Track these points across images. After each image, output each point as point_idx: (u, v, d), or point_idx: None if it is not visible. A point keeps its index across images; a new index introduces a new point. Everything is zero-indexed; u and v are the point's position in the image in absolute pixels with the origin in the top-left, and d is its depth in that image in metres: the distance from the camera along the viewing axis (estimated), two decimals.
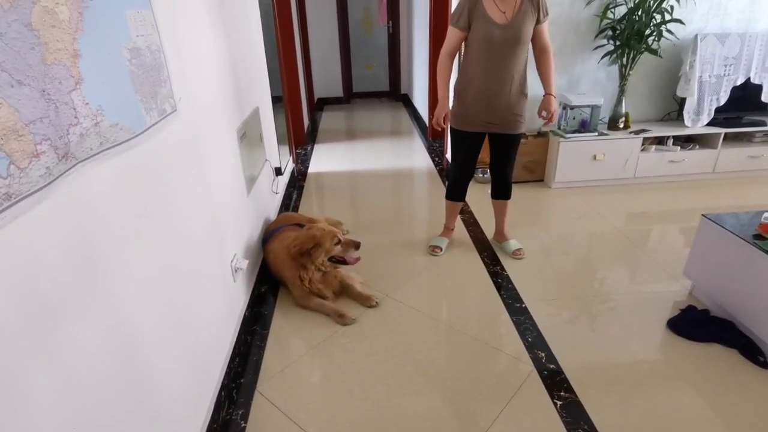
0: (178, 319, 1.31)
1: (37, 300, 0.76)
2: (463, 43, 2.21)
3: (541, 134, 3.41)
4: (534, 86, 2.30)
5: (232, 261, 1.86)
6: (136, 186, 1.10)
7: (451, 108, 2.30)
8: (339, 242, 2.12)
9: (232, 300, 1.86)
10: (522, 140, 3.26)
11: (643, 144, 3.29)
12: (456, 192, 2.52)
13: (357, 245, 2.16)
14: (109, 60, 0.99)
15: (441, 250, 2.57)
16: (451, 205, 2.58)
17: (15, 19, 0.72)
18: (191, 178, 1.47)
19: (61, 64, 0.82)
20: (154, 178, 1.20)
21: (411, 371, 1.76)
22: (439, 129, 2.26)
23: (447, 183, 2.57)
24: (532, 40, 2.15)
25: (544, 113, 2.24)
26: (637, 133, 3.27)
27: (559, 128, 3.34)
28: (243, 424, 1.57)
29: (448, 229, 2.66)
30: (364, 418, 1.57)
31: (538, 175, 3.48)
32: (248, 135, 2.28)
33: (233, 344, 1.79)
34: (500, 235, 2.60)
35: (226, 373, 1.67)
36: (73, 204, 0.86)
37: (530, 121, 3.43)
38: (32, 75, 0.74)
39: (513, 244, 2.54)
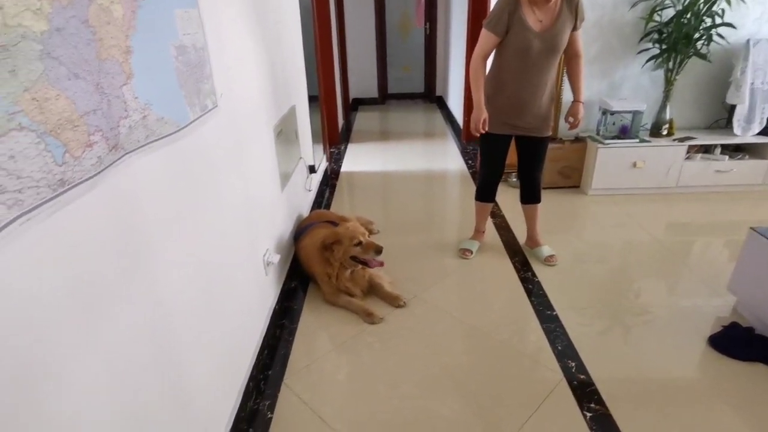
0: (211, 309, 1.35)
1: (84, 282, 0.80)
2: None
3: (578, 139, 3.33)
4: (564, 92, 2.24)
5: (264, 255, 1.90)
6: (177, 178, 1.15)
7: None
8: (359, 243, 2.11)
9: (263, 293, 1.91)
10: (558, 145, 3.22)
11: (687, 152, 3.16)
12: (485, 193, 2.50)
13: (378, 250, 2.11)
14: (157, 57, 1.03)
15: (471, 253, 2.55)
16: (480, 206, 2.56)
17: (73, 15, 0.76)
18: (229, 172, 1.52)
19: (114, 60, 0.86)
20: (195, 171, 1.25)
21: (437, 373, 1.75)
22: (477, 134, 2.22)
23: (477, 183, 2.55)
24: (567, 45, 2.11)
25: (570, 119, 2.25)
26: (681, 140, 3.14)
27: (597, 134, 3.25)
28: (269, 415, 1.60)
29: (478, 232, 2.64)
30: (388, 417, 1.57)
31: (574, 182, 3.40)
32: (284, 132, 2.33)
33: (262, 337, 1.83)
34: (532, 240, 2.56)
35: (254, 364, 1.70)
36: (120, 193, 0.90)
37: (565, 127, 3.38)
38: (88, 69, 0.78)
39: (545, 250, 2.49)
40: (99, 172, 0.82)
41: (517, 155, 2.39)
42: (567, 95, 2.26)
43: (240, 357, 1.60)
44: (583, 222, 3.02)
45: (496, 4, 2.10)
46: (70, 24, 0.75)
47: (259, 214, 1.87)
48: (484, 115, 2.17)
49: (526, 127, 2.23)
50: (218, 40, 1.43)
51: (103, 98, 0.82)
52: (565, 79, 2.22)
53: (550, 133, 2.29)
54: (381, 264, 2.17)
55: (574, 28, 2.07)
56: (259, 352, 1.76)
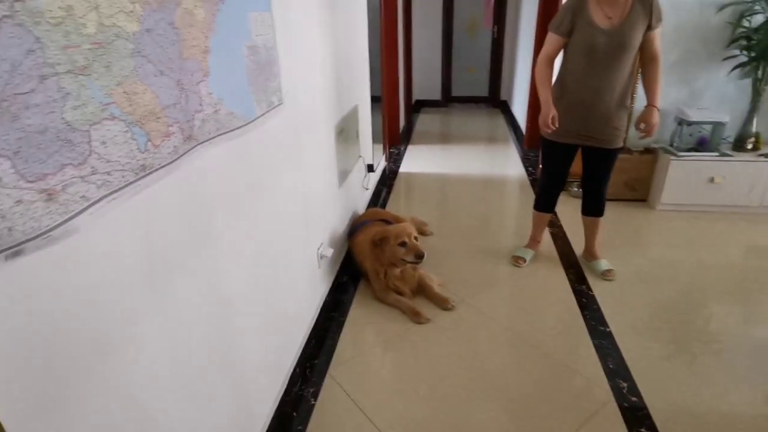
0: (265, 292, 1.43)
1: (156, 254, 0.88)
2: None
3: (648, 150, 3.15)
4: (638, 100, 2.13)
5: (318, 248, 1.98)
6: (241, 169, 1.23)
7: None
8: (404, 244, 2.11)
9: (315, 285, 1.98)
10: (624, 155, 3.06)
11: None
12: (544, 203, 2.43)
13: (419, 255, 2.09)
14: (232, 56, 1.11)
15: (525, 261, 2.49)
16: (538, 216, 2.49)
17: (162, 17, 0.84)
18: (289, 166, 1.60)
19: (194, 59, 0.95)
20: (257, 163, 1.33)
21: (479, 378, 1.74)
22: (548, 131, 2.14)
23: (536, 192, 2.49)
24: (641, 47, 2.00)
25: (642, 125, 2.08)
26: None
27: (670, 145, 3.06)
28: (313, 402, 1.66)
29: (534, 241, 2.57)
30: (427, 416, 1.59)
31: (641, 195, 3.22)
32: (345, 131, 2.40)
33: (311, 326, 1.90)
34: (590, 253, 2.46)
35: (302, 352, 1.78)
36: (191, 180, 0.99)
37: (636, 136, 3.20)
38: (172, 67, 0.87)
39: (603, 264, 2.39)
40: (174, 160, 0.90)
41: (582, 165, 2.29)
42: (639, 104, 2.10)
43: (289, 343, 1.68)
44: (648, 238, 2.85)
45: (563, 5, 2.05)
46: (158, 26, 0.83)
47: (316, 208, 1.95)
48: (553, 111, 2.07)
49: (595, 136, 2.11)
50: (287, 40, 1.51)
51: (182, 93, 0.91)
52: (639, 86, 2.07)
53: (620, 145, 2.16)
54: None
55: (649, 28, 1.96)
56: (307, 341, 1.84)
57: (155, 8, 0.82)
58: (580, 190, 2.40)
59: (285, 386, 1.60)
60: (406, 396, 1.68)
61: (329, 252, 2.08)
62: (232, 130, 1.13)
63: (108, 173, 0.73)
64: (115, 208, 0.76)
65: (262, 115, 1.30)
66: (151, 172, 0.83)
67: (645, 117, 2.08)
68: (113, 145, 0.73)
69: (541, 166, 2.41)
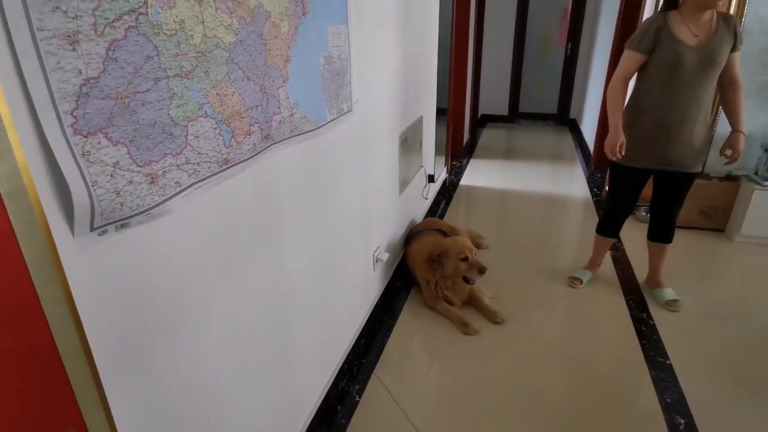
0: (322, 287, 1.52)
1: (228, 241, 0.99)
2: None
3: (729, 177, 2.95)
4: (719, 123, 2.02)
5: (375, 252, 2.05)
6: (309, 169, 1.33)
7: None
8: (466, 259, 2.13)
9: (369, 287, 2.05)
10: (702, 181, 2.89)
11: None
12: (609, 227, 2.35)
13: (482, 270, 2.10)
14: (309, 64, 1.22)
15: (582, 282, 2.42)
16: (601, 240, 2.41)
17: (253, 30, 0.95)
18: (353, 170, 1.69)
19: (276, 67, 1.05)
20: (324, 166, 1.43)
21: (523, 396, 1.72)
22: (614, 159, 2.06)
23: (601, 215, 2.41)
24: (723, 70, 1.91)
25: (728, 152, 1.98)
26: None
27: (756, 173, 2.85)
28: (357, 398, 1.73)
29: (594, 264, 2.49)
30: (466, 424, 1.60)
31: (719, 224, 3.01)
32: (409, 141, 2.47)
33: (362, 326, 1.97)
34: (654, 281, 2.35)
35: (351, 349, 1.85)
36: (265, 176, 1.09)
37: (715, 160, 3.02)
38: (257, 73, 0.98)
39: (668, 293, 2.26)
40: (252, 156, 1.01)
41: (652, 188, 2.19)
42: (719, 127, 1.98)
43: (339, 339, 1.76)
44: (722, 271, 2.67)
45: (642, 23, 2.00)
46: (249, 37, 0.94)
47: (375, 212, 2.02)
48: (621, 139, 2.00)
49: (675, 160, 2.01)
50: (361, 51, 1.60)
51: (264, 97, 1.01)
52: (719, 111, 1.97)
53: (700, 169, 2.06)
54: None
55: (734, 48, 1.87)
56: (357, 340, 1.90)
57: (249, 22, 0.93)
58: (648, 214, 2.30)
59: (332, 380, 1.68)
60: (448, 404, 1.69)
61: (385, 256, 2.15)
62: (304, 133, 1.23)
63: (198, 164, 0.84)
64: (200, 195, 0.86)
65: (333, 120, 1.40)
66: (232, 166, 0.94)
67: (731, 143, 1.97)
68: (204, 140, 0.84)
69: (608, 188, 2.33)
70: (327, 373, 1.66)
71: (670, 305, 2.22)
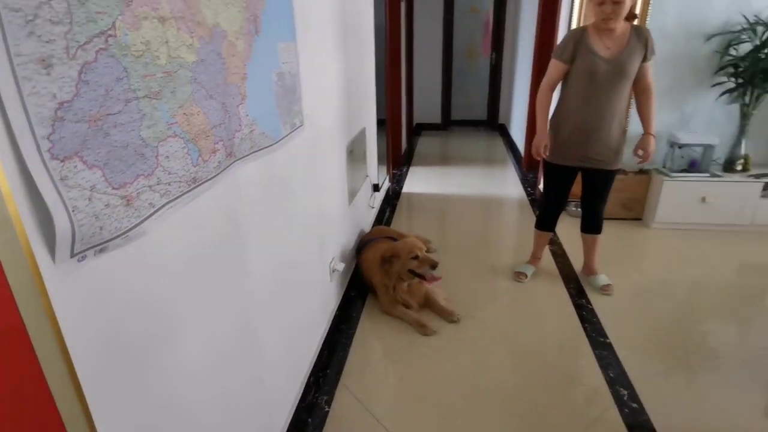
0: (284, 302, 1.52)
1: (198, 259, 0.98)
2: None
3: (642, 172, 3.28)
4: (632, 124, 2.26)
5: (330, 262, 2.07)
6: (268, 184, 1.34)
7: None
8: (416, 257, 2.22)
9: (327, 298, 2.07)
10: (620, 176, 3.19)
11: (764, 189, 3.02)
12: (545, 222, 2.54)
13: (433, 264, 2.20)
14: (263, 82, 1.23)
15: (526, 277, 2.59)
16: (539, 234, 2.60)
17: (212, 49, 0.96)
18: (307, 183, 1.71)
19: (235, 85, 1.06)
20: (281, 180, 1.44)
21: (484, 387, 1.81)
22: (538, 158, 2.30)
23: (538, 212, 2.60)
24: (636, 78, 2.15)
25: (640, 152, 2.22)
26: (757, 177, 3.02)
27: (663, 167, 3.19)
28: (326, 409, 1.73)
29: (535, 258, 2.67)
30: (435, 422, 1.66)
31: (636, 214, 3.34)
32: (355, 152, 2.53)
33: (323, 338, 1.98)
34: (588, 269, 2.56)
35: (315, 362, 1.85)
36: (229, 192, 1.09)
37: (631, 158, 3.34)
38: (219, 91, 0.98)
39: (602, 279, 2.48)
40: (217, 174, 1.01)
41: (582, 185, 2.41)
42: (633, 127, 2.22)
43: (304, 352, 1.76)
44: (644, 255, 2.96)
45: (564, 35, 2.20)
46: (210, 56, 0.95)
47: (329, 223, 2.05)
48: (546, 140, 2.24)
49: (596, 158, 2.23)
50: (308, 67, 1.63)
51: (226, 115, 1.02)
52: (633, 111, 2.21)
53: (619, 167, 2.29)
54: (437, 278, 2.26)
55: (644, 60, 2.11)
56: (319, 352, 1.91)
57: (208, 41, 0.94)
58: (578, 209, 2.52)
59: (301, 394, 1.67)
60: (416, 404, 1.75)
61: (341, 266, 2.17)
62: (263, 149, 1.24)
63: (169, 184, 0.84)
64: (172, 215, 0.86)
65: (287, 135, 1.42)
66: (200, 184, 0.94)
67: (642, 144, 2.21)
68: (174, 159, 0.84)
69: (542, 186, 2.53)
70: (295, 387, 1.65)
71: (605, 290, 2.43)
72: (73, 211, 0.62)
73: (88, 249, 0.66)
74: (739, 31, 2.93)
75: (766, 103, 3.00)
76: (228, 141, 1.04)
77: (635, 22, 2.16)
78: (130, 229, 0.74)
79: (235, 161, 1.10)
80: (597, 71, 2.10)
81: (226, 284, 1.11)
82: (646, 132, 2.21)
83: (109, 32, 0.67)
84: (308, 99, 1.64)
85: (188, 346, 0.95)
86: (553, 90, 2.25)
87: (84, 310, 0.67)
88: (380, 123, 3.64)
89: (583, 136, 2.21)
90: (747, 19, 2.91)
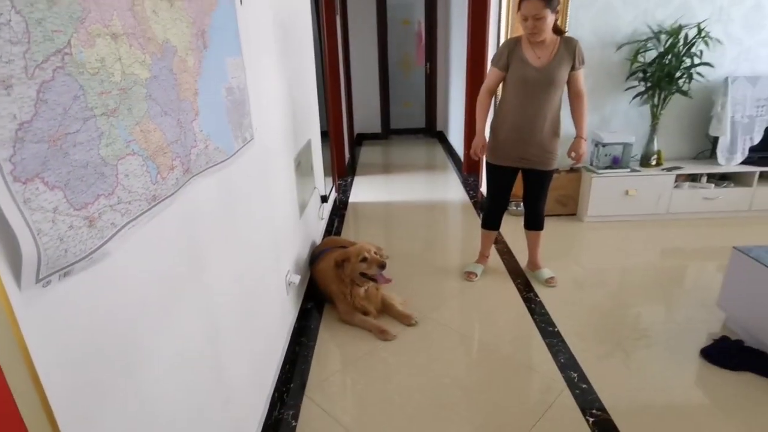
0: (245, 320, 1.50)
1: (163, 281, 0.96)
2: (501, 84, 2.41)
3: (573, 170, 3.53)
4: (566, 126, 2.45)
5: (286, 275, 2.06)
6: (224, 199, 1.32)
7: (487, 142, 2.48)
8: (365, 259, 2.26)
9: (285, 312, 2.05)
10: (555, 175, 3.42)
11: (676, 181, 3.36)
12: (490, 221, 2.67)
13: (381, 264, 2.25)
14: (214, 97, 1.22)
15: (476, 276, 2.70)
16: (485, 233, 2.72)
17: (164, 65, 0.95)
18: (260, 196, 1.70)
19: (188, 100, 1.05)
20: (236, 195, 1.43)
21: (447, 384, 1.87)
22: (476, 158, 2.45)
23: (482, 213, 2.73)
24: (568, 85, 2.33)
25: (573, 154, 2.41)
26: (669, 170, 3.35)
27: (591, 164, 3.46)
28: (294, 423, 1.71)
29: (483, 257, 2.79)
30: (403, 422, 1.69)
31: (571, 209, 3.58)
32: (302, 164, 2.53)
33: (284, 352, 1.96)
34: (533, 264, 2.72)
35: (278, 377, 1.83)
36: (187, 208, 1.07)
37: (563, 158, 3.59)
38: (173, 108, 0.97)
39: (545, 272, 2.64)
40: (176, 191, 0.99)
41: (523, 185, 2.56)
42: (566, 130, 2.40)
43: (266, 368, 1.73)
44: (580, 248, 3.18)
45: (501, 44, 2.37)
46: (162, 72, 0.94)
47: (282, 236, 2.03)
48: (483, 142, 2.41)
49: (532, 159, 2.39)
50: (254, 80, 1.63)
51: (181, 131, 1.01)
52: (567, 115, 2.39)
53: (554, 167, 2.45)
54: (388, 280, 2.30)
55: (573, 68, 2.29)
56: (282, 366, 1.89)
57: (160, 57, 0.93)
58: (519, 208, 2.67)
59: (266, 411, 1.65)
60: (382, 407, 1.77)
61: (296, 279, 2.16)
62: (218, 164, 1.23)
63: (129, 202, 0.82)
64: (133, 234, 0.84)
65: (240, 149, 1.41)
66: (159, 202, 0.92)
67: (574, 147, 2.40)
68: (134, 177, 0.82)
69: (485, 188, 2.67)
70: (260, 404, 1.62)
71: (549, 282, 2.59)
72: (38, 234, 0.60)
73: (53, 273, 0.64)
74: (645, 40, 3.25)
75: (672, 104, 3.34)
76: (185, 157, 1.03)
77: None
78: (94, 251, 0.71)
79: (192, 177, 1.09)
80: (528, 79, 2.26)
81: (189, 303, 1.08)
82: (578, 135, 2.40)
83: (65, 50, 0.66)
84: (257, 113, 1.63)
85: (155, 366, 0.92)
86: (491, 94, 2.40)
87: (51, 336, 0.64)
88: (323, 135, 3.65)
89: (519, 138, 2.36)
90: (651, 29, 3.25)
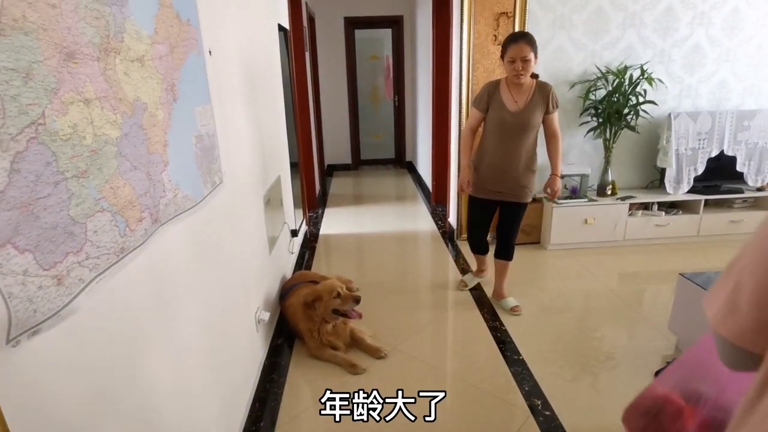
0: (215, 360, 1.51)
1: (132, 331, 0.98)
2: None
3: (535, 200, 3.69)
4: (542, 159, 2.61)
5: (256, 313, 2.07)
6: (193, 243, 1.35)
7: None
8: (339, 295, 2.29)
9: (255, 349, 2.05)
10: None
11: (630, 209, 3.56)
12: (476, 247, 2.89)
13: (356, 299, 2.29)
14: (184, 146, 1.27)
15: (466, 285, 2.91)
16: (477, 257, 2.95)
17: (134, 122, 1.00)
18: (229, 237, 1.73)
19: (157, 153, 1.10)
20: (205, 237, 1.46)
21: (416, 416, 1.90)
22: (462, 193, 2.72)
23: (468, 241, 2.95)
24: (544, 126, 2.49)
25: (548, 190, 2.58)
26: (623, 199, 3.55)
27: None
28: None
29: (479, 270, 2.99)
30: None
31: (535, 238, 3.72)
32: (271, 201, 2.57)
33: (254, 390, 1.95)
34: (498, 293, 2.81)
35: (248, 415, 1.82)
36: (156, 257, 1.10)
37: (540, 193, 3.74)
38: (142, 162, 1.02)
39: (510, 301, 2.73)
40: (145, 241, 1.02)
41: (498, 216, 2.70)
42: (542, 160, 2.57)
43: (235, 407, 1.72)
44: (544, 275, 3.30)
45: (482, 87, 2.56)
46: (132, 129, 0.99)
47: (251, 274, 2.06)
48: (468, 177, 2.62)
49: (506, 192, 2.55)
50: (223, 126, 1.69)
51: (150, 183, 1.05)
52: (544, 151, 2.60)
53: (528, 200, 2.60)
54: (360, 315, 2.34)
55: (548, 112, 2.44)
56: (251, 405, 1.88)
57: (130, 115, 0.98)
58: (491, 238, 2.79)
59: None
60: None
61: (266, 316, 2.17)
62: (187, 210, 1.27)
63: (98, 257, 0.85)
64: (102, 287, 0.87)
65: (209, 194, 1.45)
66: (128, 253, 0.95)
67: (549, 183, 2.57)
68: (102, 233, 0.86)
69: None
70: None
71: (513, 311, 2.68)
72: (9, 297, 0.63)
73: (22, 333, 0.67)
74: (594, 80, 3.49)
75: (622, 138, 3.57)
76: (153, 208, 1.06)
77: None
78: (63, 308, 0.74)
79: (161, 226, 1.12)
80: (505, 122, 2.44)
81: (160, 350, 1.10)
82: (553, 173, 2.55)
83: (39, 121, 0.71)
84: (226, 156, 1.68)
85: (121, 413, 0.93)
86: (473, 132, 2.60)
87: (22, 395, 0.66)
88: (294, 165, 3.71)
89: (496, 174, 2.53)
90: (600, 70, 3.49)
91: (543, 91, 2.43)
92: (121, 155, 0.93)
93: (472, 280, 3.00)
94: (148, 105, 1.07)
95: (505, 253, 2.73)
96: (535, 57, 2.32)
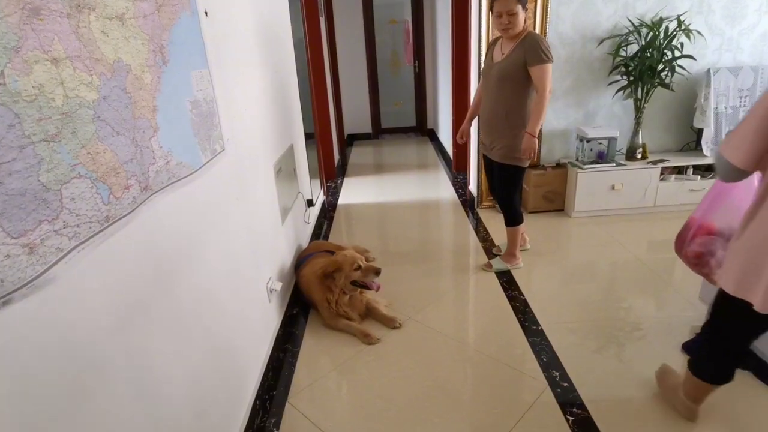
0: (223, 330, 1.50)
1: (125, 300, 0.96)
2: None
3: (559, 165, 3.53)
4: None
5: (267, 283, 2.06)
6: (192, 213, 1.32)
7: None
8: (359, 268, 2.27)
9: (267, 319, 2.05)
10: (539, 171, 3.43)
11: (661, 174, 3.36)
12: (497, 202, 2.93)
13: (377, 271, 2.26)
14: (177, 111, 1.22)
15: (491, 266, 2.77)
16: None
17: (115, 85, 0.95)
18: (235, 207, 1.70)
19: (144, 118, 1.05)
20: (206, 207, 1.43)
21: (431, 386, 1.88)
22: (460, 140, 2.78)
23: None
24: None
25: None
26: (654, 163, 3.35)
27: (576, 160, 3.46)
28: (275, 431, 1.72)
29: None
30: (386, 427, 1.69)
31: (558, 205, 3.58)
32: (283, 170, 2.52)
33: (267, 360, 1.96)
34: (504, 257, 2.80)
35: (260, 384, 1.83)
36: (148, 226, 1.07)
37: (549, 153, 3.59)
38: (126, 127, 0.97)
39: (498, 264, 2.77)
40: (133, 210, 0.99)
41: None
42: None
43: (246, 377, 1.73)
44: (568, 243, 3.18)
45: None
46: (113, 92, 0.94)
47: (262, 245, 2.03)
48: (463, 127, 2.74)
49: (489, 147, 2.55)
50: (225, 92, 1.63)
51: (137, 149, 1.01)
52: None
53: (508, 163, 2.47)
54: (380, 287, 2.31)
55: (528, 64, 2.28)
56: (264, 374, 1.89)
57: (110, 77, 0.93)
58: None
59: (247, 420, 1.65)
60: (365, 411, 1.77)
61: (278, 286, 2.16)
62: (182, 179, 1.23)
63: (77, 226, 0.82)
64: (85, 257, 0.84)
65: (208, 162, 1.41)
66: (113, 222, 0.92)
67: (522, 142, 2.40)
68: (81, 201, 0.82)
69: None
70: (240, 413, 1.62)
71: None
72: None
73: None
74: (626, 34, 3.25)
75: (655, 97, 3.34)
76: (142, 175, 1.02)
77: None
78: (36, 278, 0.71)
79: (153, 194, 1.09)
80: (488, 74, 2.44)
81: (160, 319, 1.08)
82: (525, 130, 2.36)
83: None
84: (228, 124, 1.63)
85: (118, 392, 0.92)
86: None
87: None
88: (311, 137, 3.65)
89: (483, 127, 2.58)
90: (632, 23, 3.24)
91: (524, 41, 2.28)
92: (100, 119, 0.88)
93: (498, 262, 2.78)
94: (132, 67, 1.02)
95: (504, 219, 2.69)
96: (524, 9, 2.23)
